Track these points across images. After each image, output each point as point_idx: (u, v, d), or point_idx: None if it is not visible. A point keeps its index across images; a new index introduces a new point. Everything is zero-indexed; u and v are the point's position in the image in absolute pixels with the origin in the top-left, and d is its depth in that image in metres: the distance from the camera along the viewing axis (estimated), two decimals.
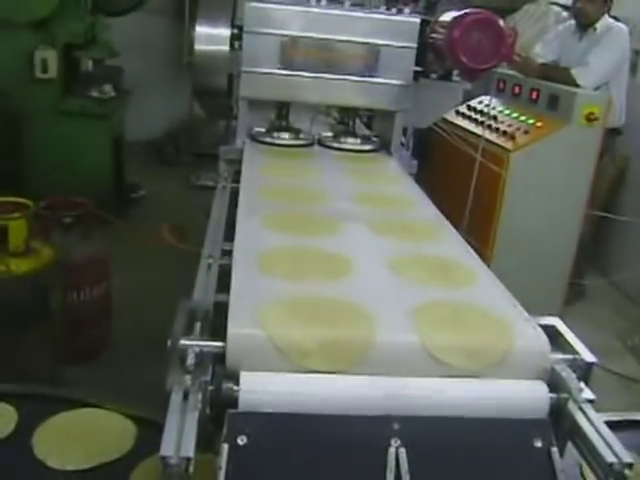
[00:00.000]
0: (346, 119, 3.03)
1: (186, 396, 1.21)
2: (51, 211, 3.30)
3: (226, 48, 2.79)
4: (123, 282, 3.73)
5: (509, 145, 3.88)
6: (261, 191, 2.19)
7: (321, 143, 2.91)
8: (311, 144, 2.90)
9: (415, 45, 2.76)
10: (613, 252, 5.19)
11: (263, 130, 2.92)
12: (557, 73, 4.27)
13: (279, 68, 2.75)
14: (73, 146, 5.02)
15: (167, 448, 1.08)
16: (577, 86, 4.06)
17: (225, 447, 1.15)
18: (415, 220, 2.07)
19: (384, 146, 2.94)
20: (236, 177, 2.53)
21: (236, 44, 2.79)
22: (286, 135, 2.87)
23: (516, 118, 4.15)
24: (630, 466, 1.18)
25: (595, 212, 4.37)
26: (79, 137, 5.04)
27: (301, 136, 2.91)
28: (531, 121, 4.03)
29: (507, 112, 4.28)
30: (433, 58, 2.79)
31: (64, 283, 3.20)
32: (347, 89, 2.80)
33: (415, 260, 1.72)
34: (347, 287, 1.52)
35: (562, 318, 1.52)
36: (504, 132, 4.02)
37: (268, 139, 2.84)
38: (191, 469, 1.09)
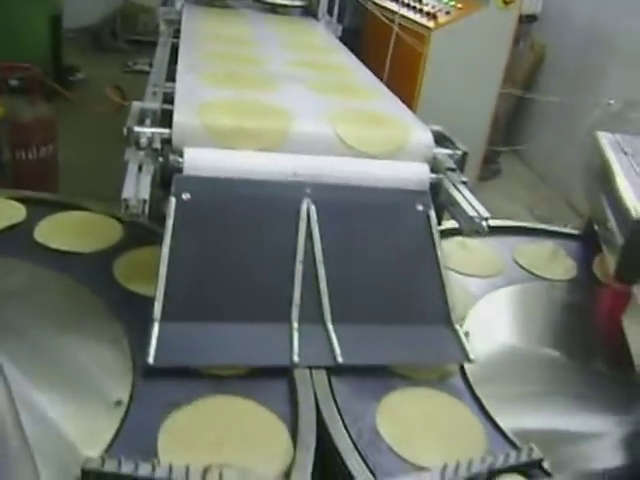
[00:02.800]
0: None
1: (140, 168, 1.51)
2: None
3: None
4: (70, 150, 3.94)
5: (431, 24, 4.17)
6: (201, 53, 2.32)
7: None
8: None
9: None
10: (528, 133, 5.59)
11: None
12: None
13: None
14: (10, 24, 5.03)
15: (127, 192, 1.39)
16: None
17: (173, 200, 1.47)
18: (351, 82, 2.23)
19: (311, 13, 3.20)
20: (176, 35, 2.75)
21: None
22: None
23: (439, 0, 4.42)
24: (486, 219, 1.54)
25: (509, 90, 4.71)
26: (16, 15, 5.05)
27: None
28: (452, 3, 4.31)
29: None
30: None
31: (13, 142, 3.41)
32: None
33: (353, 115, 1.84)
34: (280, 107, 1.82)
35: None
36: (427, 13, 4.30)
37: None
38: (146, 210, 1.40)
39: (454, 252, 2.03)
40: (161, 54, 2.52)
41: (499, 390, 1.48)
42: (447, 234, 2.02)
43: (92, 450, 1.13)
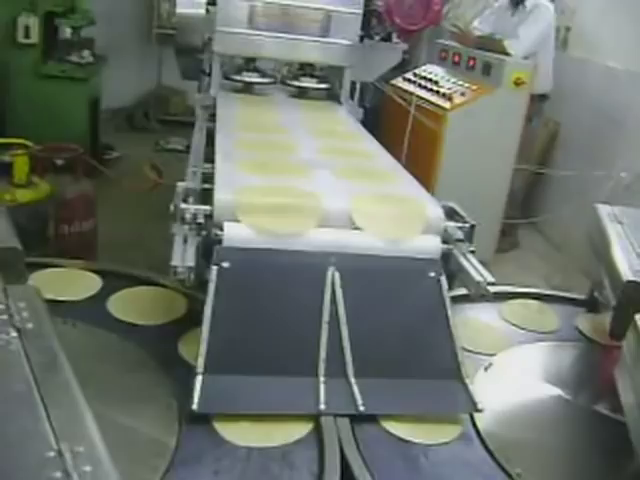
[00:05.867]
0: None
1: (185, 240, 1.73)
2: (46, 153, 3.76)
3: (203, 11, 3.28)
4: (107, 224, 4.21)
5: (447, 105, 4.45)
6: (236, 141, 2.47)
7: (283, 82, 3.44)
8: (274, 82, 3.43)
9: (361, 11, 3.28)
10: (544, 206, 5.80)
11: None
12: (491, 44, 4.83)
13: (247, 28, 3.24)
14: (53, 107, 5.41)
15: (176, 260, 1.61)
16: (508, 55, 4.63)
17: (214, 269, 1.68)
18: (373, 166, 2.39)
19: (334, 97, 3.47)
20: (211, 118, 3.02)
21: (210, 8, 3.30)
22: (254, 74, 3.39)
23: (455, 82, 4.72)
24: (492, 284, 1.73)
25: (524, 166, 4.94)
26: (59, 99, 5.44)
27: (266, 76, 3.44)
28: (467, 85, 4.60)
29: (447, 78, 4.85)
30: (376, 23, 3.33)
31: (57, 217, 3.68)
32: (304, 47, 3.31)
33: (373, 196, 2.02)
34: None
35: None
36: (443, 94, 4.58)
37: (238, 77, 3.36)
38: (192, 276, 1.61)
39: (515, 310, 2.30)
40: (198, 137, 2.77)
41: (497, 409, 1.70)
42: (511, 296, 2.37)
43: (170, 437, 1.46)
